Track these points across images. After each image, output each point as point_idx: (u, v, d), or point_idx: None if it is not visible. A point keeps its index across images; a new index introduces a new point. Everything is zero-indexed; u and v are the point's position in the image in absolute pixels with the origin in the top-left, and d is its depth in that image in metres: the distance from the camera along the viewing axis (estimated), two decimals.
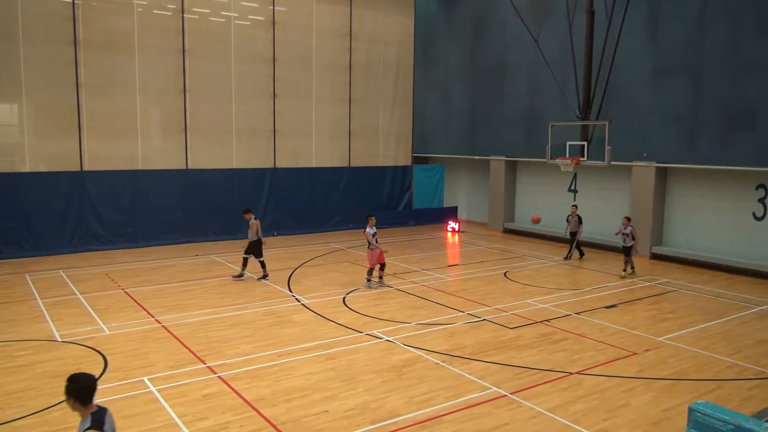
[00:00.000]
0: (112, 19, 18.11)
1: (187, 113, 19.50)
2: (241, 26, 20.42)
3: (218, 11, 19.91)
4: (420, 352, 9.77)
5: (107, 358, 9.35)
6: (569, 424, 7.39)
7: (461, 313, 12.03)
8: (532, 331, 11.00)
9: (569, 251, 17.95)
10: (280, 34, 21.06)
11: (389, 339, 10.40)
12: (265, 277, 14.65)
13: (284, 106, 21.47)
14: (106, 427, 4.23)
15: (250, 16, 20.59)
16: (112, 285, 14.08)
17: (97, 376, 8.50)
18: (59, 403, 7.67)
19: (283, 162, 21.68)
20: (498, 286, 14.50)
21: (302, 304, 12.68)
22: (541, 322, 11.54)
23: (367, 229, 13.96)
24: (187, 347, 9.90)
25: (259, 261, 14.71)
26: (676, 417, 7.56)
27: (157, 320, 11.37)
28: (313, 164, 22.48)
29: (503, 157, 23.08)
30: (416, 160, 26.07)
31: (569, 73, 17.53)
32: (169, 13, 18.99)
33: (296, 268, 16.13)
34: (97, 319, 11.40)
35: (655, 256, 18.05)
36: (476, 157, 24.49)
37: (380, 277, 14.30)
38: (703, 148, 16.72)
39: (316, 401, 7.92)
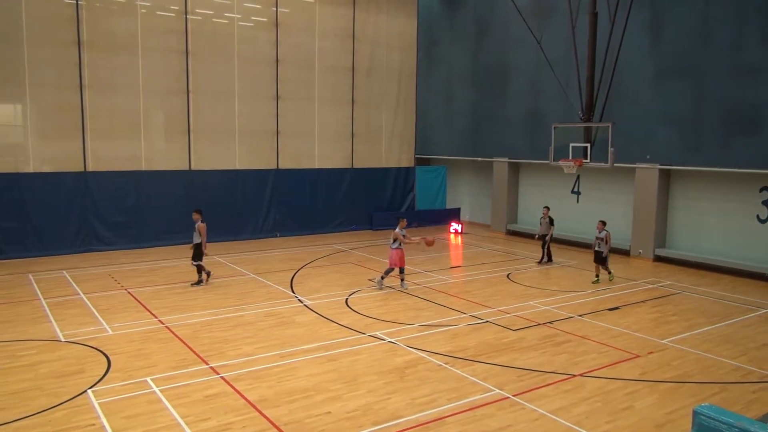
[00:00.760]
0: (116, 20, 18.15)
1: (191, 114, 19.54)
2: (244, 28, 20.44)
3: (221, 12, 19.93)
4: (423, 354, 9.76)
5: (110, 358, 9.36)
6: (572, 426, 7.37)
7: (464, 315, 12.02)
8: (535, 333, 10.99)
9: (542, 255, 17.41)
10: (283, 36, 21.09)
11: (392, 340, 10.39)
12: (199, 282, 14.08)
13: (287, 108, 21.49)
14: None
15: (253, 18, 20.61)
16: (115, 285, 14.10)
17: (100, 376, 8.57)
18: (62, 402, 7.71)
19: (286, 163, 21.70)
20: (501, 287, 14.49)
21: (305, 305, 12.68)
22: (544, 324, 11.52)
23: (397, 230, 14.04)
24: (189, 348, 9.91)
25: (196, 265, 14.02)
26: (680, 420, 7.54)
27: (159, 321, 11.38)
28: (316, 165, 22.49)
29: (506, 159, 23.06)
30: (419, 162, 26.05)
31: (572, 74, 17.52)
32: (173, 15, 19.02)
33: (299, 269, 16.13)
34: (100, 319, 11.41)
35: (659, 259, 18.01)
36: (479, 159, 24.49)
37: (401, 280, 14.27)
38: (706, 150, 16.68)
39: (318, 402, 7.91)
